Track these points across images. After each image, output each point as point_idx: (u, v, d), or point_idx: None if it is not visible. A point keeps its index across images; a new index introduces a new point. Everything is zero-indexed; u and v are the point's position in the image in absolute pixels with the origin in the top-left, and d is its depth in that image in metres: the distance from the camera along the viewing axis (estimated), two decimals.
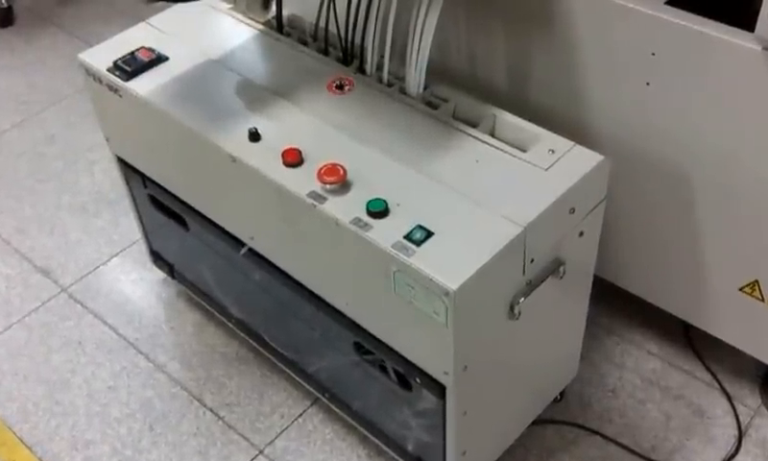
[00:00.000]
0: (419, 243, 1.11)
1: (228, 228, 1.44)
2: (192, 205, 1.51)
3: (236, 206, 1.39)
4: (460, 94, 1.38)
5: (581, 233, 1.27)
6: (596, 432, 1.57)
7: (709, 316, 1.56)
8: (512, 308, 1.19)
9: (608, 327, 1.75)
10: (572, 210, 1.21)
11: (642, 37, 1.32)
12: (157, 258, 1.82)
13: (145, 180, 1.61)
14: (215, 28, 1.57)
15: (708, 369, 1.67)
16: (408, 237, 1.12)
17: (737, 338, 1.55)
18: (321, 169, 1.20)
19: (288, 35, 1.55)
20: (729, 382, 1.64)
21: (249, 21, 1.57)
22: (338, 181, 1.19)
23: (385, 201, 1.16)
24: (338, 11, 1.46)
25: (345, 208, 1.17)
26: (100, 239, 2.02)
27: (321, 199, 1.19)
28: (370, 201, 1.16)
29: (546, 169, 1.22)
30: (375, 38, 1.40)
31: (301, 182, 1.21)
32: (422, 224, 1.13)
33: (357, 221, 1.15)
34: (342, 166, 1.21)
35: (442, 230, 1.13)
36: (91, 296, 1.87)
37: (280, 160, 1.25)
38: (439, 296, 1.07)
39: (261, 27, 1.56)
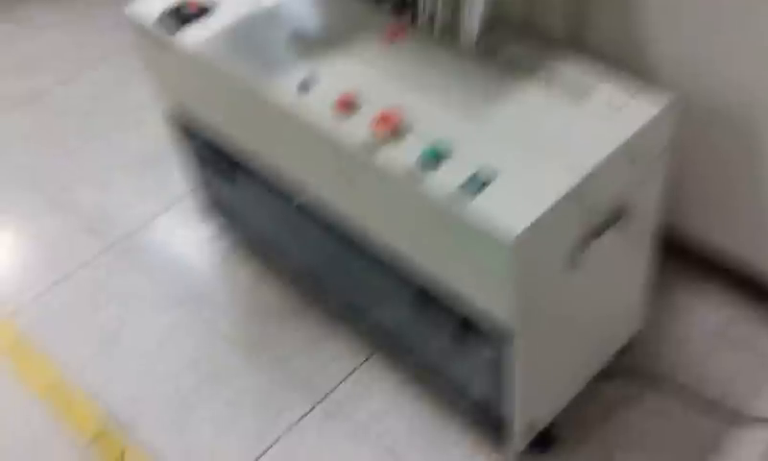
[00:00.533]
0: (475, 192, 1.09)
1: (283, 178, 1.43)
2: (245, 156, 1.50)
3: (291, 157, 1.38)
4: (515, 43, 1.34)
5: (643, 182, 1.23)
6: (661, 385, 1.53)
7: None
8: (572, 259, 1.16)
9: (675, 277, 1.70)
10: (633, 159, 1.17)
11: None
12: (210, 212, 1.82)
13: (197, 133, 1.61)
14: None
15: None
16: (464, 186, 1.09)
17: None
18: (375, 117, 1.18)
19: None
20: None
21: None
22: (393, 128, 1.17)
23: (440, 149, 1.14)
24: None
25: (400, 157, 1.15)
26: (148, 197, 2.04)
27: (375, 148, 1.17)
28: (425, 149, 1.14)
29: (607, 116, 1.18)
30: None
31: (356, 131, 1.19)
32: (479, 173, 1.11)
33: (413, 170, 1.13)
34: (396, 114, 1.18)
35: (498, 179, 1.10)
36: (140, 252, 1.89)
37: (334, 109, 1.23)
38: (497, 246, 1.04)
39: None
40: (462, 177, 1.11)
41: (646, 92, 1.21)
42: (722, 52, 1.33)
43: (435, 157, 1.13)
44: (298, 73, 1.31)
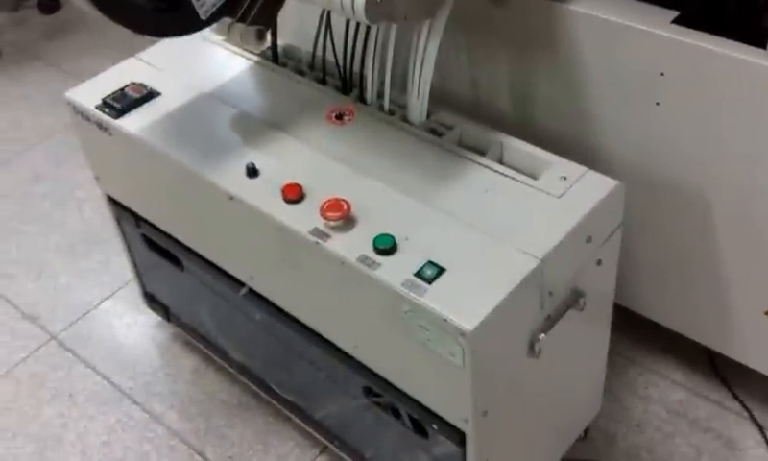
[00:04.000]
0: (430, 280, 1.09)
1: (226, 267, 1.42)
2: (188, 244, 1.48)
3: (235, 245, 1.37)
4: (464, 121, 1.36)
5: (599, 262, 1.25)
6: None
7: (735, 342, 1.53)
8: (531, 346, 1.16)
9: (630, 358, 1.72)
10: (589, 239, 1.19)
11: (650, 57, 1.31)
12: (152, 300, 1.79)
13: (138, 219, 1.59)
14: (208, 60, 1.56)
15: (737, 397, 1.64)
16: (419, 274, 1.09)
17: (764, 364, 1.52)
18: (323, 204, 1.18)
19: (284, 65, 1.54)
20: (759, 411, 1.61)
21: (243, 52, 1.56)
22: (342, 216, 1.17)
23: (393, 236, 1.14)
24: (335, 39, 1.45)
25: (350, 246, 1.15)
26: (90, 282, 2.00)
27: (324, 236, 1.17)
28: (376, 237, 1.14)
29: (559, 196, 1.20)
30: (375, 66, 1.38)
31: (303, 219, 1.19)
32: (433, 260, 1.11)
33: (364, 259, 1.13)
34: (345, 201, 1.18)
35: (454, 266, 1.10)
36: (82, 343, 1.85)
37: (280, 197, 1.23)
38: (454, 337, 1.04)
39: (256, 58, 1.55)
40: (415, 265, 1.11)
41: (595, 170, 1.23)
42: (668, 130, 1.36)
43: (386, 245, 1.13)
44: (244, 158, 1.31)
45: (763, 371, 1.53)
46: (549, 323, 1.17)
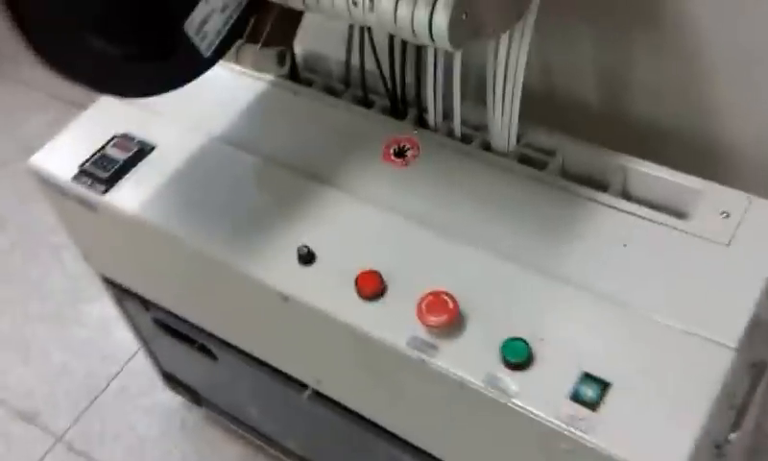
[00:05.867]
0: (594, 405, 0.81)
1: (281, 368, 1.13)
2: (223, 337, 1.19)
3: (295, 347, 1.08)
4: (565, 140, 1.06)
5: None
6: None
7: None
8: (719, 447, 0.90)
9: None
10: None
11: None
12: (173, 382, 1.50)
13: (147, 303, 1.28)
14: (210, 89, 1.21)
15: None
16: (576, 398, 0.81)
17: None
18: (421, 304, 0.89)
19: (309, 83, 1.22)
20: None
21: (251, 73, 1.23)
22: (450, 320, 0.88)
23: (525, 342, 0.85)
24: (377, 41, 1.13)
25: (469, 360, 0.86)
26: (90, 356, 1.69)
27: (429, 349, 0.88)
28: (504, 345, 0.85)
29: (728, 244, 0.91)
30: (437, 79, 1.07)
31: (395, 325, 0.90)
32: (590, 371, 0.83)
33: (492, 379, 0.84)
34: (449, 295, 0.89)
35: (620, 377, 0.82)
36: (96, 441, 1.55)
37: (354, 290, 0.93)
38: None
39: (270, 78, 1.22)
40: (568, 382, 0.82)
41: (724, 176, 0.96)
42: None
43: (521, 357, 0.84)
44: (289, 234, 1.01)
45: None
46: (739, 416, 0.91)
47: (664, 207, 0.97)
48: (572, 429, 0.79)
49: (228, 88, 1.22)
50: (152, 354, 1.46)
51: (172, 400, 1.57)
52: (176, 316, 1.24)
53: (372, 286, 0.93)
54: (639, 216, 0.96)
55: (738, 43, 1.06)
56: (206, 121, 1.18)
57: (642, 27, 1.13)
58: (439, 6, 0.79)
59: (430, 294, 0.89)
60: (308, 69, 1.24)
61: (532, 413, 0.81)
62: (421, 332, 0.89)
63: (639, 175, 1.00)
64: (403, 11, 0.82)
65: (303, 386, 1.12)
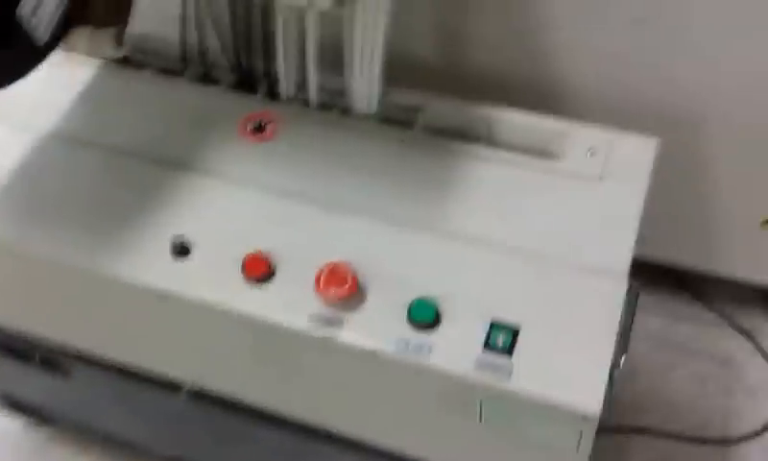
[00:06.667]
0: (507, 350, 0.82)
1: (153, 371, 1.06)
2: (82, 350, 1.09)
3: (169, 347, 1.01)
4: (426, 96, 1.07)
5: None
6: (642, 430, 1.40)
7: (722, 258, 1.43)
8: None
9: None
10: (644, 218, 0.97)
11: None
12: (11, 403, 1.37)
13: None
14: (29, 84, 1.10)
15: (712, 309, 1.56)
16: (489, 346, 0.83)
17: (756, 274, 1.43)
18: (318, 278, 0.86)
19: (141, 65, 1.14)
20: (740, 317, 1.54)
21: (74, 59, 1.13)
22: (351, 290, 0.86)
23: (431, 301, 0.85)
24: (215, 12, 1.07)
25: (376, 329, 0.85)
26: None
27: (333, 324, 0.85)
28: (411, 307, 0.85)
29: (601, 178, 0.96)
30: (287, 44, 1.04)
31: (290, 304, 0.87)
32: (497, 319, 0.84)
33: (404, 343, 0.83)
34: (345, 265, 0.87)
35: (526, 319, 0.84)
36: None
37: (241, 277, 0.89)
38: (569, 422, 0.80)
39: (96, 61, 1.13)
40: (478, 333, 0.83)
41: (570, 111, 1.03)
42: (653, 49, 1.16)
43: (429, 317, 0.84)
44: (156, 228, 0.94)
45: (756, 281, 1.44)
46: (624, 340, 0.95)
47: (533, 151, 1.00)
48: (492, 378, 0.80)
49: (52, 78, 1.11)
50: None
51: (9, 424, 1.43)
52: (16, 333, 1.12)
53: (260, 269, 0.89)
54: (512, 163, 0.98)
55: None
56: (33, 118, 1.07)
57: None
58: None
59: (326, 267, 0.87)
60: (138, 51, 1.16)
61: (450, 370, 0.81)
62: (322, 308, 0.86)
63: (504, 123, 1.03)
64: None
65: (177, 387, 1.06)
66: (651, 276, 1.51)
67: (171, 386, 1.06)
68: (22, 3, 0.84)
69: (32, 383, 1.28)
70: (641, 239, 0.93)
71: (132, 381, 1.08)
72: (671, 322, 1.54)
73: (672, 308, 1.55)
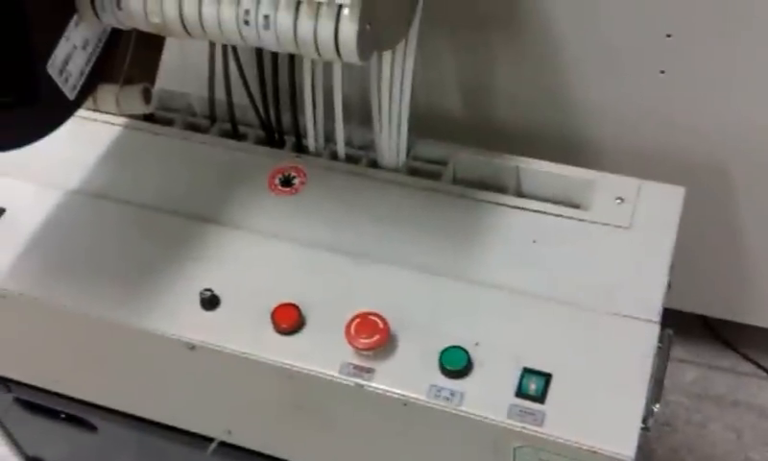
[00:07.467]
0: (540, 397, 0.83)
1: (181, 425, 1.07)
2: (110, 405, 1.11)
3: (199, 400, 1.02)
4: (453, 147, 1.09)
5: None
6: None
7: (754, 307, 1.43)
8: (644, 420, 0.95)
9: None
10: (673, 266, 0.98)
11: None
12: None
13: (6, 382, 1.17)
14: (56, 142, 1.11)
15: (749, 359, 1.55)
16: (522, 393, 0.83)
17: None
18: (349, 327, 0.88)
19: (169, 122, 1.17)
20: None
21: (97, 116, 1.16)
22: (382, 340, 0.87)
23: (463, 348, 0.86)
24: (243, 65, 1.11)
25: (408, 377, 0.86)
26: None
27: (365, 372, 0.87)
28: (442, 354, 0.86)
29: (629, 227, 0.98)
30: (315, 99, 1.07)
31: (322, 354, 0.88)
32: (529, 365, 0.85)
33: (436, 391, 0.84)
34: (376, 314, 0.89)
35: (558, 367, 0.85)
36: None
37: (271, 328, 0.91)
38: None
39: (121, 121, 1.16)
40: (510, 380, 0.84)
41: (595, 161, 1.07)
42: (676, 100, 1.18)
43: (460, 364, 0.85)
44: (185, 282, 0.96)
45: None
46: (658, 387, 0.96)
47: (561, 201, 1.02)
48: (525, 425, 0.81)
49: (79, 135, 1.14)
50: (12, 441, 1.33)
51: None
52: (45, 392, 1.14)
53: (290, 319, 0.90)
54: (541, 212, 1.00)
55: (595, 42, 1.15)
56: (60, 175, 1.10)
57: (502, 35, 1.20)
58: (345, 18, 0.79)
59: (357, 317, 0.88)
60: (164, 108, 1.19)
61: (482, 416, 0.82)
62: (353, 357, 0.87)
63: (532, 173, 1.05)
64: (305, 26, 0.81)
65: (207, 440, 1.07)
66: (685, 325, 1.52)
67: (199, 439, 1.07)
68: (51, 59, 0.87)
69: (60, 443, 1.29)
70: (670, 288, 0.94)
71: (160, 435, 1.10)
72: (706, 372, 1.54)
73: (707, 358, 1.54)
